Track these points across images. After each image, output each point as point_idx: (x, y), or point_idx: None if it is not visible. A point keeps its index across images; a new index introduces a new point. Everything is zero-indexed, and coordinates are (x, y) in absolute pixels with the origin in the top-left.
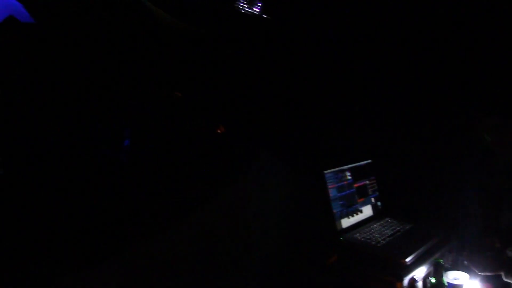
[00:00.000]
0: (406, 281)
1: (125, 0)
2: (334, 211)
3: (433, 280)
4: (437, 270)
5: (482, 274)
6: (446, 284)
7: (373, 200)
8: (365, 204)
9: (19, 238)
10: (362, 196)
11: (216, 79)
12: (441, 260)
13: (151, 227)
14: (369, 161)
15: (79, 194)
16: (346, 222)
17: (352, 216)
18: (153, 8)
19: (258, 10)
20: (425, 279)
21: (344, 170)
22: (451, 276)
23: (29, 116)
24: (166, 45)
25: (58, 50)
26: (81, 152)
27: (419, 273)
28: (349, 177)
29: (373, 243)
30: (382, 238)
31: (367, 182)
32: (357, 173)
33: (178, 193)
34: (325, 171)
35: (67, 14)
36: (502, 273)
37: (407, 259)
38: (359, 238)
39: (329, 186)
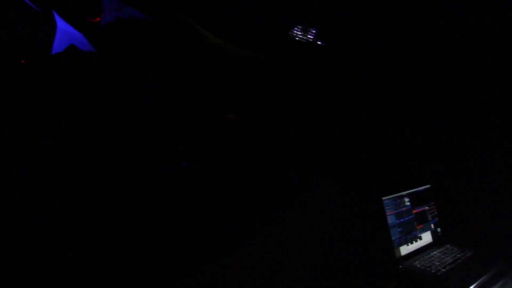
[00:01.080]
0: None
1: (180, 28)
2: (393, 238)
3: None
4: None
5: None
6: None
7: (432, 226)
8: (424, 230)
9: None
10: (421, 222)
11: (272, 103)
12: None
13: (205, 252)
14: (428, 186)
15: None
16: (405, 249)
17: (411, 243)
18: (213, 38)
19: (312, 37)
20: None
21: (402, 196)
22: None
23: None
24: (222, 70)
25: (117, 78)
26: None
27: None
28: (408, 203)
29: (432, 271)
30: (442, 266)
31: (426, 208)
32: (416, 199)
33: (231, 218)
34: (384, 198)
35: (127, 42)
36: None
37: None
38: (418, 266)
39: (388, 213)
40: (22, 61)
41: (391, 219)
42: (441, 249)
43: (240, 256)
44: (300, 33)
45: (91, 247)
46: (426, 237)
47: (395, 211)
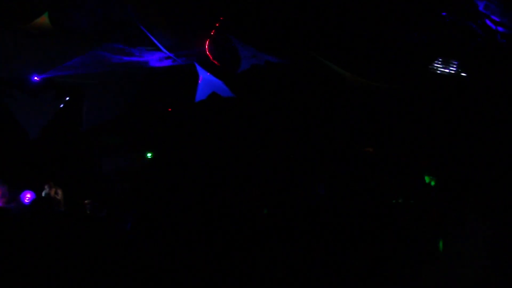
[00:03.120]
0: None
1: (315, 68)
2: None
3: None
4: None
5: None
6: None
7: None
8: None
9: None
10: None
11: (413, 136)
12: None
13: None
14: None
15: None
16: None
17: None
18: (350, 75)
19: (454, 69)
20: None
21: None
22: None
23: None
24: (360, 104)
25: (257, 120)
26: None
27: None
28: None
29: None
30: None
31: None
32: None
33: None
34: None
35: (264, 86)
36: None
37: None
38: None
39: None
40: (169, 109)
41: None
42: None
43: None
44: (441, 65)
45: None
46: None
47: None
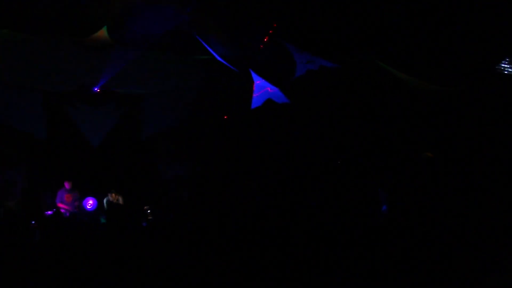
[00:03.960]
0: None
1: (371, 70)
2: None
3: None
4: None
5: None
6: None
7: None
8: None
9: None
10: None
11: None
12: None
13: None
14: None
15: None
16: None
17: None
18: (407, 77)
19: None
20: None
21: None
22: None
23: None
24: (419, 107)
25: (315, 126)
26: None
27: None
28: None
29: None
30: None
31: None
32: None
33: None
34: None
35: (319, 91)
36: None
37: None
38: None
39: None
40: (225, 117)
41: None
42: None
43: None
44: (508, 65)
45: None
46: None
47: None
